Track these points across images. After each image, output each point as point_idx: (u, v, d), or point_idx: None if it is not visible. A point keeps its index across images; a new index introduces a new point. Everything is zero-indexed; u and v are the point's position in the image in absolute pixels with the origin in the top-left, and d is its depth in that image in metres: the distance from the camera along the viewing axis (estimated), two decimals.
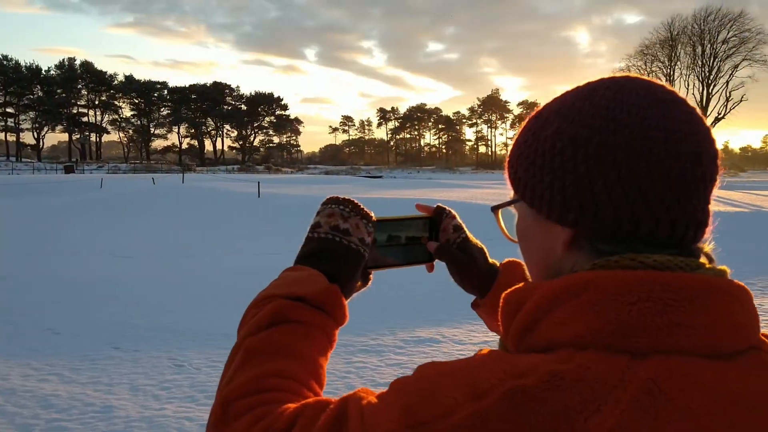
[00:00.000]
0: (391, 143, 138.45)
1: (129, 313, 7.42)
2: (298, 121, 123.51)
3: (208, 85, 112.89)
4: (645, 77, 0.65)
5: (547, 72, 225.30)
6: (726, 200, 22.29)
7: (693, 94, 59.09)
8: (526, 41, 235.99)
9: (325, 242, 0.85)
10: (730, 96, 59.06)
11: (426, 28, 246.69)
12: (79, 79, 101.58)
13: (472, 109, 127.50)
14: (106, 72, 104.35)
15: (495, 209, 0.79)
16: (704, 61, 60.29)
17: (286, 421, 0.63)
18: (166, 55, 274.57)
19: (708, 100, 60.35)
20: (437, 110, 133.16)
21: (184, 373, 5.31)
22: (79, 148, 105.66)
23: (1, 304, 7.67)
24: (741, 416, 0.53)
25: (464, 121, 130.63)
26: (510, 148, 0.73)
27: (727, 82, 59.57)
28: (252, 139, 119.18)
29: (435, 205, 1.01)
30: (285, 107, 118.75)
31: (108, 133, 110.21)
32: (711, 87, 60.68)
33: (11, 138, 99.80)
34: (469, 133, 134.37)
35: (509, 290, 0.66)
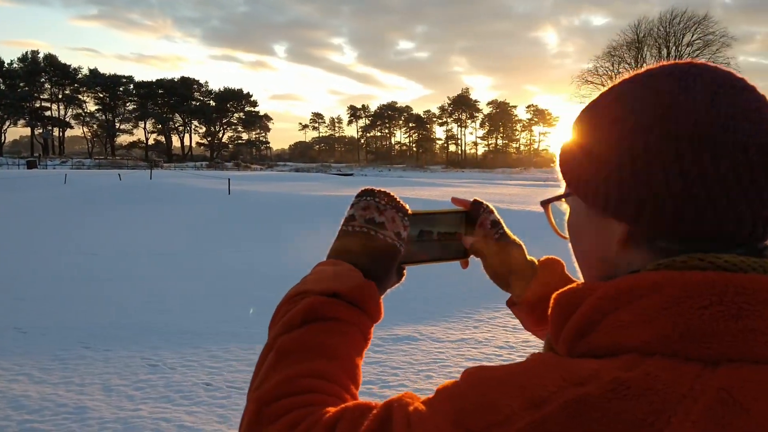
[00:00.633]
0: (362, 141, 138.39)
1: (98, 311, 7.24)
2: (267, 117, 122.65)
3: (175, 80, 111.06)
4: (710, 63, 0.61)
5: (516, 72, 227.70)
6: None
7: None
8: (495, 41, 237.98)
9: (360, 236, 0.81)
10: None
11: (396, 26, 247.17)
12: (42, 72, 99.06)
13: (442, 108, 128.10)
14: (70, 65, 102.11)
15: (545, 204, 0.75)
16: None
17: (326, 425, 0.60)
18: (131, 49, 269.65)
19: None
20: (408, 108, 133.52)
21: (158, 372, 5.20)
22: (41, 143, 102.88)
23: None
24: None
25: (435, 119, 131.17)
26: (562, 139, 0.69)
27: None
28: (221, 135, 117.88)
29: (472, 199, 0.98)
30: (254, 104, 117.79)
31: (72, 127, 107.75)
32: None
33: None
34: (439, 132, 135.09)
35: (562, 290, 0.62)
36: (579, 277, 0.72)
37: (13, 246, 12.29)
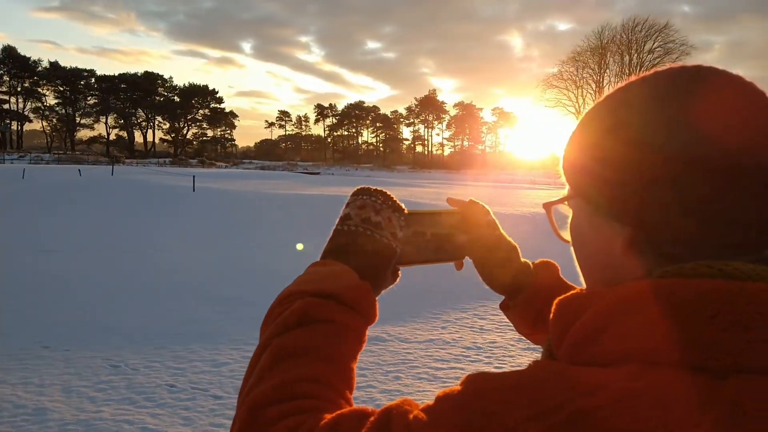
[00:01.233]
0: (329, 140, 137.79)
1: (58, 310, 7.07)
2: (233, 114, 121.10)
3: (138, 74, 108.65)
4: (718, 67, 0.59)
5: (482, 74, 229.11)
6: None
7: None
8: (462, 43, 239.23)
9: (355, 236, 0.80)
10: None
11: (364, 26, 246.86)
12: (0, 64, 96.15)
13: (409, 109, 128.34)
14: (29, 58, 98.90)
15: (548, 206, 0.73)
16: (631, 69, 62.80)
17: None
18: (93, 43, 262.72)
19: None
20: (375, 108, 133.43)
21: (120, 374, 5.09)
22: None
23: None
24: None
25: (402, 120, 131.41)
26: (566, 140, 0.68)
27: None
28: (185, 131, 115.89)
29: (468, 200, 0.96)
30: (220, 100, 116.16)
31: (30, 121, 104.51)
32: None
33: None
34: (406, 133, 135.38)
35: (565, 296, 0.61)
36: (576, 281, 0.71)
37: None
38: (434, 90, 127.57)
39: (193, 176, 21.07)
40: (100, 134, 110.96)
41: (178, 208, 17.29)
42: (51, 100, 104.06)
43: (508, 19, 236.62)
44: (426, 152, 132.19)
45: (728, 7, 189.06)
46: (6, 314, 6.78)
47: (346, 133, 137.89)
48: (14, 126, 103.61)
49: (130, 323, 6.63)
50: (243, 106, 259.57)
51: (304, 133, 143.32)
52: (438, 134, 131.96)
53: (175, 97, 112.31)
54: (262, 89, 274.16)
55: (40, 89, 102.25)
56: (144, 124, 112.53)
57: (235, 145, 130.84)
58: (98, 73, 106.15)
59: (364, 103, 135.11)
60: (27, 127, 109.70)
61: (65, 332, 6.21)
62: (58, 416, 4.17)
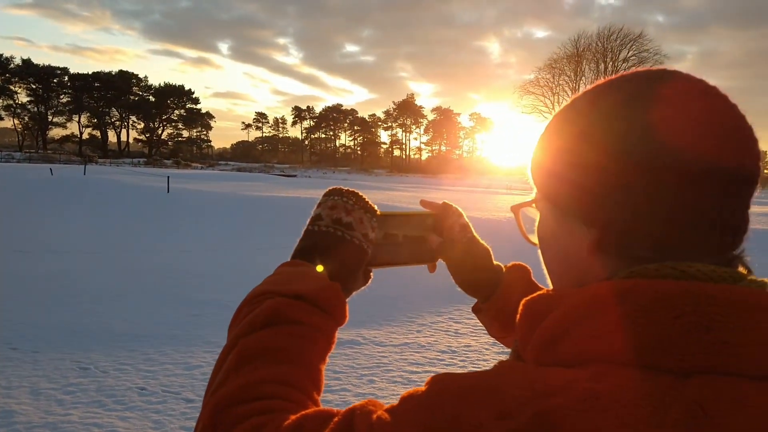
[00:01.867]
0: (306, 143, 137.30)
1: (26, 311, 6.92)
2: (209, 115, 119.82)
3: (113, 73, 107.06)
4: (684, 72, 0.59)
5: (460, 80, 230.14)
6: None
7: None
8: (440, 48, 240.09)
9: (326, 236, 0.79)
10: None
11: (342, 29, 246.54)
12: None
13: (387, 113, 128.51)
14: (1, 55, 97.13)
15: (516, 209, 0.74)
16: (606, 77, 63.67)
17: None
18: (67, 40, 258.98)
19: None
20: (353, 111, 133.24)
21: (89, 376, 5.00)
22: None
23: None
24: None
25: (380, 124, 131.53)
26: (533, 145, 0.69)
27: None
28: (160, 132, 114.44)
29: (441, 202, 0.97)
30: (196, 101, 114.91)
31: (2, 119, 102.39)
32: None
33: None
34: (384, 136, 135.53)
35: (531, 297, 0.61)
36: (546, 284, 0.72)
37: None
38: (412, 94, 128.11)
39: (168, 177, 20.82)
40: (72, 133, 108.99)
41: (151, 210, 17.07)
42: (23, 98, 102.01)
43: (486, 25, 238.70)
44: (404, 156, 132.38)
45: (700, 18, 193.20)
46: None
47: (323, 136, 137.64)
48: None
49: (101, 325, 6.52)
50: (219, 107, 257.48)
51: (281, 136, 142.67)
52: (416, 138, 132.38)
53: (150, 97, 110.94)
54: (239, 90, 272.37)
55: (12, 87, 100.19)
56: (118, 123, 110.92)
57: (211, 147, 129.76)
58: (72, 71, 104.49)
59: (342, 106, 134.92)
60: None
61: (34, 334, 6.08)
62: (25, 419, 4.08)
